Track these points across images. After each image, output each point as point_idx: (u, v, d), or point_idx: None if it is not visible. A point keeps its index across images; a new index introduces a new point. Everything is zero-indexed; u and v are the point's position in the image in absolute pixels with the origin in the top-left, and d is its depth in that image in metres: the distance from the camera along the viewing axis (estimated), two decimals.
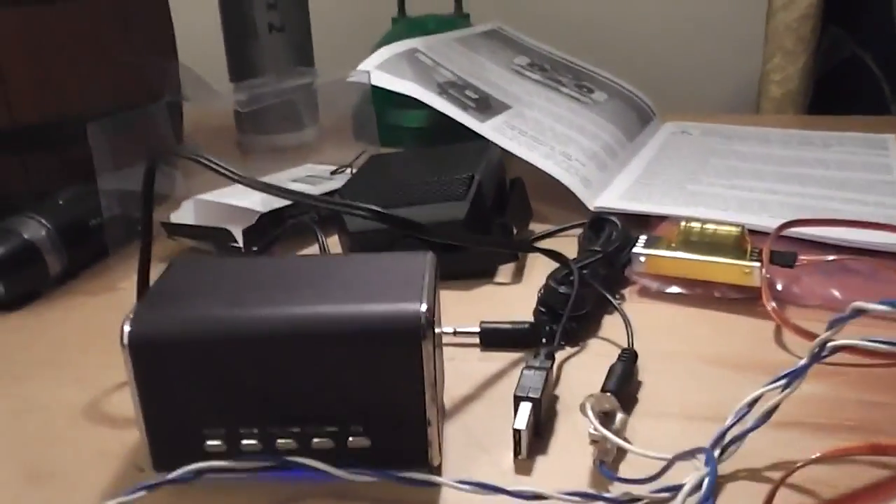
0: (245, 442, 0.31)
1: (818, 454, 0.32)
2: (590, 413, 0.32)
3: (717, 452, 0.31)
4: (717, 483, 0.30)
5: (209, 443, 0.31)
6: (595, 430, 0.33)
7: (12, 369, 0.42)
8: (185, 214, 0.55)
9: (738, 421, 0.32)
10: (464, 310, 0.46)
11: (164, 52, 0.66)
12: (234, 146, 0.81)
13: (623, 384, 0.36)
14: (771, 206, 0.55)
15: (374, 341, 0.29)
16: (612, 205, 0.56)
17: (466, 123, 0.58)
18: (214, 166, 0.36)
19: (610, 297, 0.42)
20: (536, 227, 0.56)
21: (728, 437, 0.32)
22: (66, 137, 0.57)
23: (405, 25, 0.82)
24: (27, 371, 0.42)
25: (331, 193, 0.56)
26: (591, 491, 0.30)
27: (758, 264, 0.43)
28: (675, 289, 0.46)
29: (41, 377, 0.41)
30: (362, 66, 0.61)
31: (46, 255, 0.50)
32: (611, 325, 0.43)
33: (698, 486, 0.29)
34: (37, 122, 0.56)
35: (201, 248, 0.55)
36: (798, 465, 0.31)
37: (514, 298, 0.47)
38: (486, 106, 0.62)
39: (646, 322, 0.43)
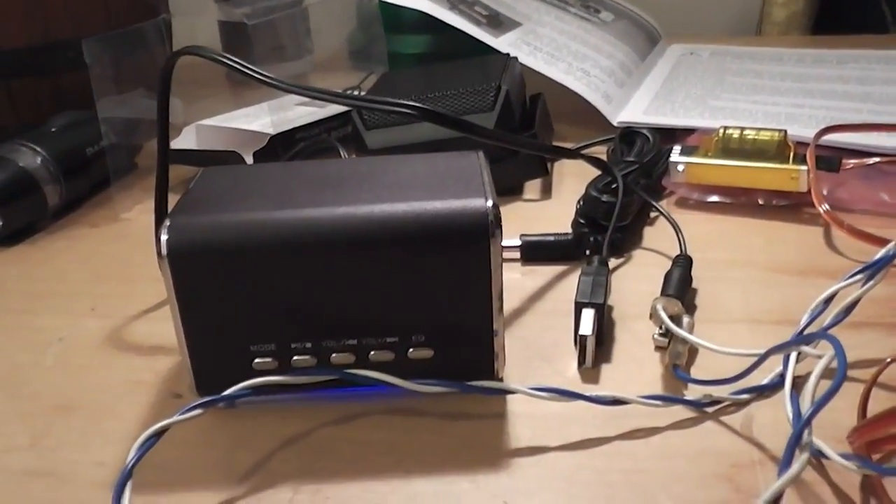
0: (297, 357, 0.29)
1: None
2: (662, 314, 0.30)
3: (795, 354, 0.30)
4: (800, 384, 0.29)
5: (258, 360, 0.29)
6: (661, 333, 0.31)
7: (20, 303, 0.39)
8: (186, 140, 0.52)
9: (814, 320, 0.31)
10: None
11: None
12: (224, 78, 0.77)
13: (683, 289, 0.34)
14: (800, 119, 0.53)
15: (439, 240, 0.27)
16: (637, 119, 0.53)
17: (482, 38, 0.55)
18: (244, 69, 0.33)
19: (656, 205, 0.40)
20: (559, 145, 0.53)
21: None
22: (55, 63, 0.53)
23: None
24: (36, 304, 0.39)
25: (344, 114, 0.53)
26: (670, 395, 0.29)
27: (805, 168, 0.41)
28: (715, 198, 0.44)
29: (53, 309, 0.38)
30: None
31: (44, 185, 0.46)
32: (652, 236, 0.42)
33: (784, 382, 0.27)
34: (23, 47, 0.52)
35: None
36: (888, 360, 0.30)
37: (544, 215, 0.45)
38: (497, 23, 0.59)
39: (690, 232, 0.41)
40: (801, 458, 0.20)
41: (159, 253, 0.27)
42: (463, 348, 0.29)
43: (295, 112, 0.54)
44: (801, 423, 0.22)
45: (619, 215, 0.39)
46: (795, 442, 0.21)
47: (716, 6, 0.93)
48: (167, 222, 0.28)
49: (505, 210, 0.45)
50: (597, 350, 0.32)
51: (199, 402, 0.26)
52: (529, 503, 0.25)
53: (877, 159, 0.46)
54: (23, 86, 0.53)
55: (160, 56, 0.53)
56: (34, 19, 0.52)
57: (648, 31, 0.74)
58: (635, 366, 0.31)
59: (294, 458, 0.27)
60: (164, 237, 0.27)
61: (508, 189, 0.47)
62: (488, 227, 0.27)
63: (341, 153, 0.48)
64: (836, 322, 0.30)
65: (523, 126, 0.50)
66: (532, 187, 0.48)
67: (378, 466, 0.27)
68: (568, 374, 0.31)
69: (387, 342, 0.29)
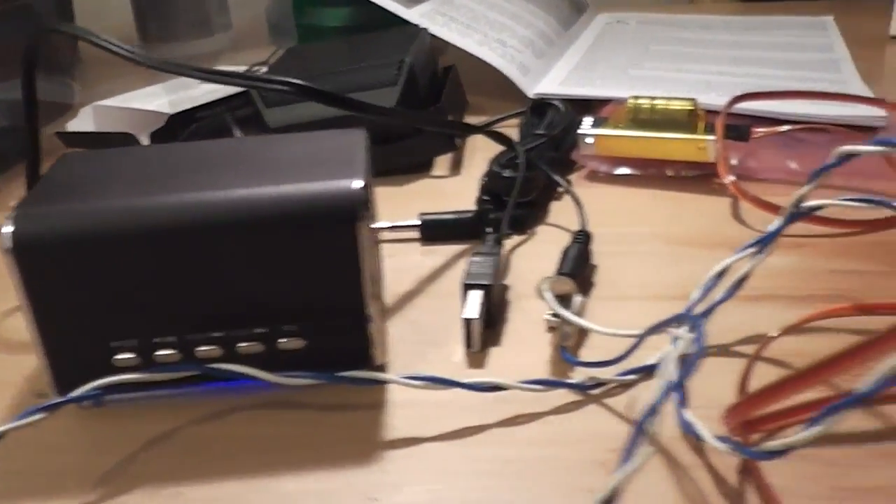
0: (160, 353, 0.27)
1: (795, 322, 0.30)
2: (547, 295, 0.29)
3: (684, 328, 0.29)
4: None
5: (118, 357, 0.27)
6: (553, 314, 0.30)
7: None
8: (83, 122, 0.50)
9: (705, 295, 0.30)
10: (400, 206, 0.42)
11: None
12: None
13: (579, 267, 0.33)
14: (719, 87, 0.52)
15: (303, 224, 0.25)
16: (553, 90, 0.52)
17: (392, 9, 0.53)
18: (109, 45, 0.30)
19: (559, 179, 0.39)
20: (472, 119, 0.52)
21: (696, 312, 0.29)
22: None
23: None
24: None
25: (244, 93, 0.51)
26: (552, 378, 0.27)
27: (712, 138, 0.40)
28: (625, 170, 0.43)
29: None
30: None
31: None
32: (559, 211, 0.40)
33: (673, 361, 0.26)
34: None
35: None
36: (772, 335, 0.29)
37: (453, 191, 0.43)
38: None
39: (597, 206, 0.40)
40: (643, 452, 0.19)
41: (2, 246, 0.25)
42: (336, 337, 0.27)
43: (199, 90, 0.51)
44: (645, 414, 0.20)
45: (522, 191, 0.38)
46: (637, 434, 0.20)
47: None
48: (13, 213, 0.26)
49: (411, 188, 0.44)
50: (486, 332, 0.31)
51: (40, 406, 0.24)
52: (397, 497, 0.24)
53: (789, 127, 0.45)
54: None
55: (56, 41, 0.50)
56: None
57: (574, 1, 0.73)
58: (525, 348, 0.30)
59: (156, 459, 0.26)
60: (6, 230, 0.25)
61: (417, 165, 0.45)
62: (354, 209, 0.25)
63: (234, 133, 0.46)
64: (727, 297, 0.29)
65: (432, 99, 0.48)
66: (442, 163, 0.47)
67: (245, 465, 0.25)
68: (455, 358, 0.30)
69: (255, 333, 0.27)
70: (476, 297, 0.30)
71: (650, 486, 0.23)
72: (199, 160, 0.28)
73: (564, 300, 0.30)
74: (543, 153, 0.41)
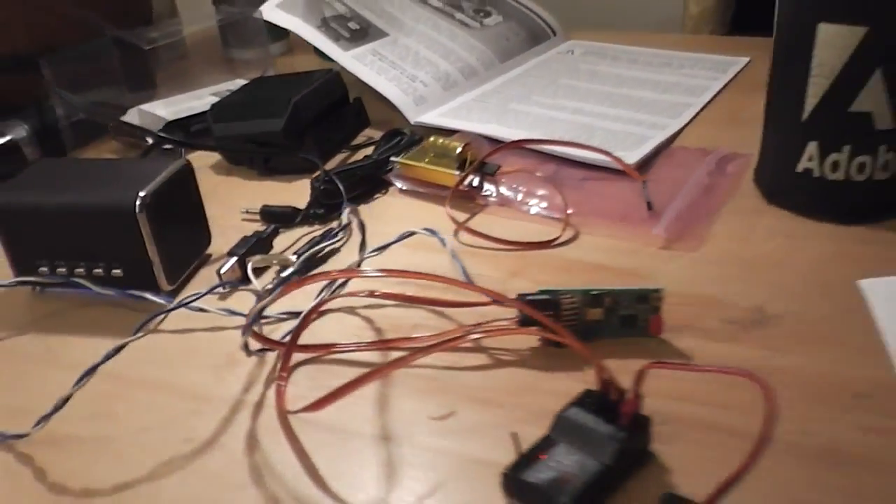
0: (58, 270, 0.52)
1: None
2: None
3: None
4: None
5: (41, 269, 0.52)
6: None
7: None
8: (130, 117, 0.76)
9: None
10: (286, 196, 0.64)
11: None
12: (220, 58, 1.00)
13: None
14: (554, 124, 0.68)
15: (115, 212, 0.49)
16: (430, 121, 0.71)
17: (329, 53, 0.74)
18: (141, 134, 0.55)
19: (344, 195, 0.60)
20: (373, 134, 0.72)
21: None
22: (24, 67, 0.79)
23: None
24: None
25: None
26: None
27: (458, 172, 0.58)
28: (412, 187, 0.62)
29: None
30: (269, 3, 0.78)
31: (24, 148, 0.72)
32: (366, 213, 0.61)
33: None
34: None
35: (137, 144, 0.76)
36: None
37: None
38: (362, 35, 0.78)
39: (388, 211, 0.60)
40: None
41: None
42: (139, 272, 0.51)
43: (199, 102, 0.76)
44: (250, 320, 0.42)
45: (326, 197, 0.59)
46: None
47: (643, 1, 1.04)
48: None
49: (291, 185, 0.66)
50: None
51: (5, 282, 0.50)
52: None
53: (540, 173, 0.61)
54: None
55: (112, 67, 0.77)
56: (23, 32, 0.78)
57: (534, 31, 0.89)
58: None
59: (49, 316, 0.51)
60: None
61: (301, 170, 0.67)
62: (134, 206, 0.48)
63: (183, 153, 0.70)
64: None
65: (334, 122, 0.69)
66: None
67: (76, 325, 0.50)
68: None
69: (101, 265, 0.51)
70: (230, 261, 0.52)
71: None
72: (86, 173, 0.53)
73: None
74: (356, 173, 0.61)
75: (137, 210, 0.49)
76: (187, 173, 0.53)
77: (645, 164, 0.62)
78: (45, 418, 0.39)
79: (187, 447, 0.39)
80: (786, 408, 0.38)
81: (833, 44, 0.48)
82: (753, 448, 0.30)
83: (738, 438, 0.37)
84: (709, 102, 0.73)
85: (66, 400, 0.39)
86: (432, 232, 0.48)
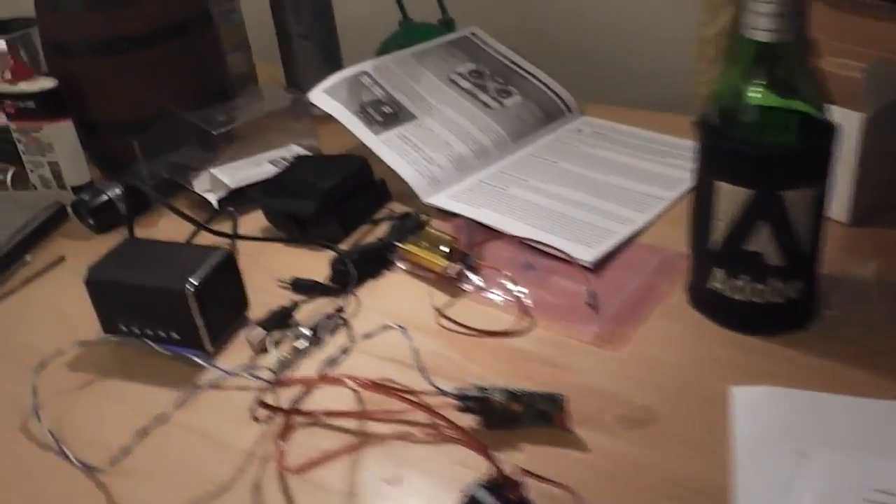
0: (136, 330, 0.69)
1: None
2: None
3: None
4: None
5: (122, 328, 0.70)
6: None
7: None
8: (201, 182, 0.93)
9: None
10: (314, 264, 0.80)
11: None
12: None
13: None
14: (537, 212, 0.81)
15: (172, 296, 0.66)
16: (440, 203, 0.85)
17: (362, 139, 0.89)
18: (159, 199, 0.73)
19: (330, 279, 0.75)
20: (394, 207, 0.87)
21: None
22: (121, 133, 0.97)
23: (403, 30, 1.11)
24: None
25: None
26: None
27: (446, 262, 0.73)
28: (415, 270, 0.76)
29: None
30: (317, 89, 0.93)
31: (117, 203, 0.91)
32: (368, 291, 0.76)
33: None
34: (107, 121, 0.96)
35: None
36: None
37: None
38: (393, 120, 0.92)
39: (390, 288, 0.75)
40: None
41: (83, 280, 0.69)
42: (190, 338, 0.68)
43: (254, 171, 0.92)
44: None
45: (337, 278, 0.74)
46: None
47: (660, 79, 1.14)
48: (88, 268, 0.69)
49: (320, 255, 0.82)
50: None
51: (96, 338, 0.69)
52: None
53: (525, 260, 0.75)
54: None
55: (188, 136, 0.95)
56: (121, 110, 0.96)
57: (550, 110, 1.01)
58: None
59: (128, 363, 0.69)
60: (85, 274, 0.69)
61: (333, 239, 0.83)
62: (188, 292, 0.65)
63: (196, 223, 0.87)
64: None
65: (362, 200, 0.85)
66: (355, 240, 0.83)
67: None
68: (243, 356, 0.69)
69: (161, 330, 0.68)
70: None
71: None
72: (154, 255, 0.70)
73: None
74: (366, 253, 0.76)
75: (187, 294, 0.65)
76: (229, 261, 0.70)
77: (602, 261, 0.75)
78: (125, 453, 0.57)
79: (211, 488, 0.56)
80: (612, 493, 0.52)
81: (728, 198, 0.60)
82: None
83: None
84: (681, 197, 0.84)
85: (139, 439, 0.57)
86: (402, 328, 0.63)
